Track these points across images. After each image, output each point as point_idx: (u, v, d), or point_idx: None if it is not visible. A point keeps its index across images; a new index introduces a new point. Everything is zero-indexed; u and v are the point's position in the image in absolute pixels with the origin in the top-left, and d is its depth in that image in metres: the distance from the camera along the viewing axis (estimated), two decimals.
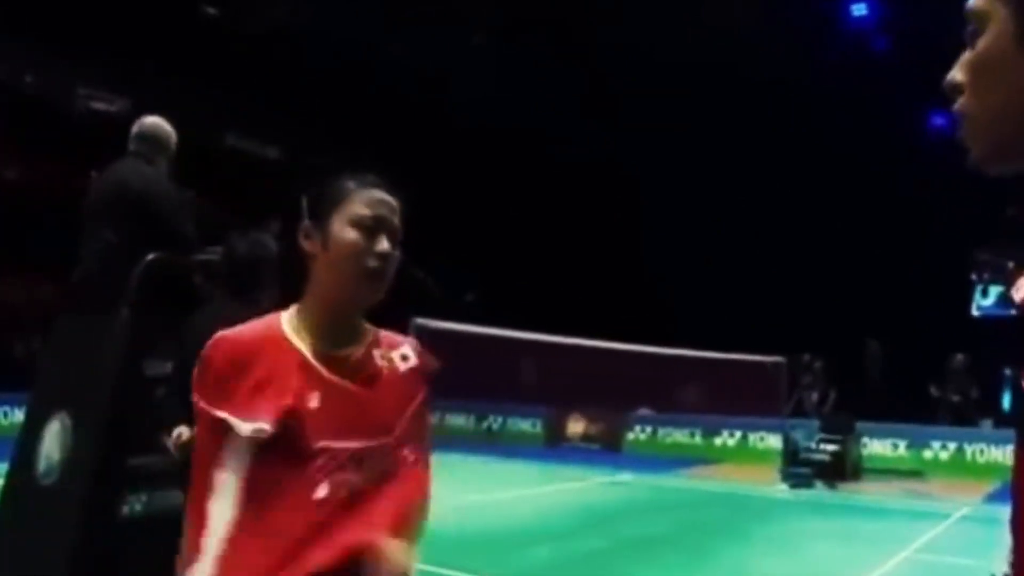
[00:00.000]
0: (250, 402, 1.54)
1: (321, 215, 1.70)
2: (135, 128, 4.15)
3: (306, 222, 1.72)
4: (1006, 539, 0.86)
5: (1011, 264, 16.90)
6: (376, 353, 1.73)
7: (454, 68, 17.67)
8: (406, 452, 1.69)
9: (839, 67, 15.42)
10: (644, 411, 16.62)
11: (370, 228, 1.68)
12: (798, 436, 12.65)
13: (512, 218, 19.46)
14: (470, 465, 13.15)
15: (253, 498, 1.53)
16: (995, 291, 17.16)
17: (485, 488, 10.75)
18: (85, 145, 11.53)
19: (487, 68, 17.62)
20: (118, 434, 3.66)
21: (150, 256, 3.78)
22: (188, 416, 3.12)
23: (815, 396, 14.63)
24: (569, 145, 19.01)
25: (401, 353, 1.78)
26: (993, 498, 10.68)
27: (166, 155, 4.14)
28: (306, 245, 1.70)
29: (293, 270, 1.71)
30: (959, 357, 14.11)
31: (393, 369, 1.74)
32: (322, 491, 1.55)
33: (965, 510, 10.02)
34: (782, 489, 11.72)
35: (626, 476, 12.72)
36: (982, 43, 0.90)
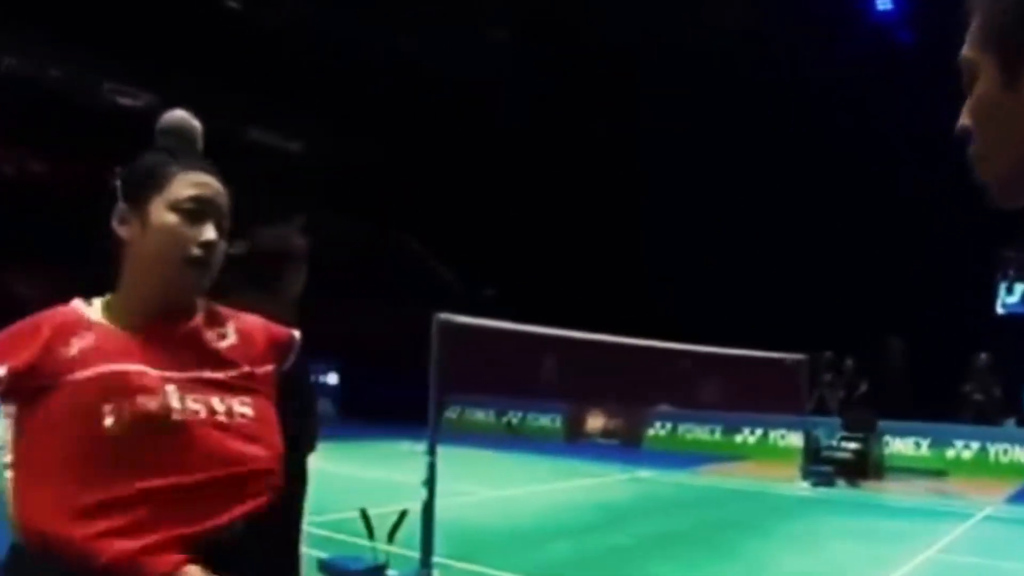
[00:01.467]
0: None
1: (138, 197, 1.55)
2: (160, 122, 4.18)
3: (121, 204, 1.57)
4: None
5: None
6: (206, 329, 1.57)
7: (474, 65, 17.68)
8: (219, 407, 1.47)
9: (863, 60, 15.30)
10: (664, 407, 16.59)
11: (194, 213, 1.53)
12: (820, 434, 12.60)
13: (532, 213, 19.44)
14: (490, 460, 13.19)
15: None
16: (1021, 288, 16.99)
17: (504, 483, 10.77)
18: (110, 140, 11.63)
19: (506, 65, 17.61)
20: None
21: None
22: None
23: (842, 392, 14.55)
24: (590, 141, 18.98)
25: (219, 332, 1.60)
26: (1016, 498, 10.59)
27: (193, 148, 4.17)
28: (121, 231, 1.56)
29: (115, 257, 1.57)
30: (982, 356, 13.99)
31: (207, 345, 1.55)
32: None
33: (988, 510, 9.93)
34: (803, 487, 11.67)
35: (646, 472, 12.71)
36: (977, 89, 0.95)
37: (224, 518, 1.44)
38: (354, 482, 6.61)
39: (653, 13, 15.72)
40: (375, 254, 17.52)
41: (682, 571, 6.74)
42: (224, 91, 14.93)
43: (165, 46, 14.97)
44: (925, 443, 13.82)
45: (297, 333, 1.74)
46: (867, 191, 15.92)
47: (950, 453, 13.63)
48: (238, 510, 1.46)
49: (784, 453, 14.03)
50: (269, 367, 1.62)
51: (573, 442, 16.35)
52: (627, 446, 15.80)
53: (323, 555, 5.41)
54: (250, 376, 1.56)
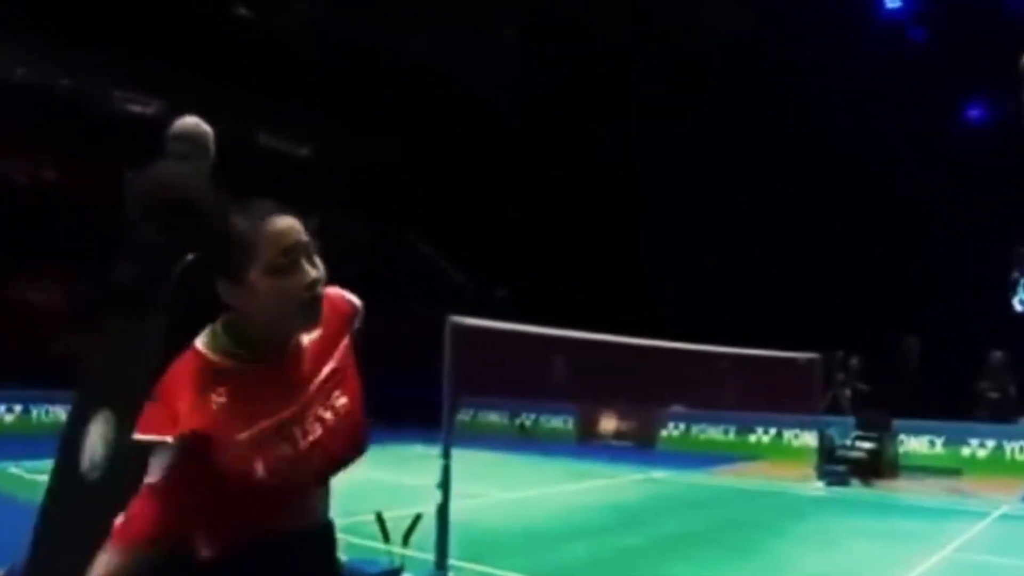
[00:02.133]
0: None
1: (236, 273, 1.65)
2: (172, 128, 4.19)
3: (223, 283, 1.68)
4: None
5: None
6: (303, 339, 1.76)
7: (484, 66, 17.69)
8: (327, 415, 1.71)
9: (874, 58, 15.25)
10: (677, 408, 16.55)
11: (291, 266, 1.64)
12: (834, 433, 12.55)
13: (543, 214, 19.44)
14: (503, 462, 13.19)
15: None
16: None
17: (518, 485, 10.76)
18: (121, 147, 11.68)
19: (516, 66, 17.62)
20: None
21: (189, 256, 3.82)
22: None
23: (848, 392, 14.50)
24: (600, 142, 18.96)
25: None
26: None
27: (205, 154, 4.18)
28: (234, 302, 1.68)
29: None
30: (998, 354, 13.92)
31: (303, 341, 1.74)
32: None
33: (1004, 508, 9.88)
34: (818, 487, 11.63)
35: (659, 473, 12.68)
36: None
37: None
38: (368, 485, 6.61)
39: (658, 14, 15.71)
40: (386, 256, 17.55)
41: (697, 571, 6.72)
42: (233, 97, 14.98)
43: (174, 53, 15.03)
44: (940, 442, 13.74)
45: (357, 300, 1.91)
46: (880, 190, 15.86)
47: (965, 451, 13.55)
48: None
49: (798, 453, 13.98)
50: (345, 340, 1.81)
51: (586, 444, 16.34)
52: (640, 447, 15.78)
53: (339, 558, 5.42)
54: (339, 358, 1.77)
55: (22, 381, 13.29)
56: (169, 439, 1.62)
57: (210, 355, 1.69)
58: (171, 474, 1.64)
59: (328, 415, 1.70)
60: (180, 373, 1.69)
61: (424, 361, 6.58)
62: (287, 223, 1.67)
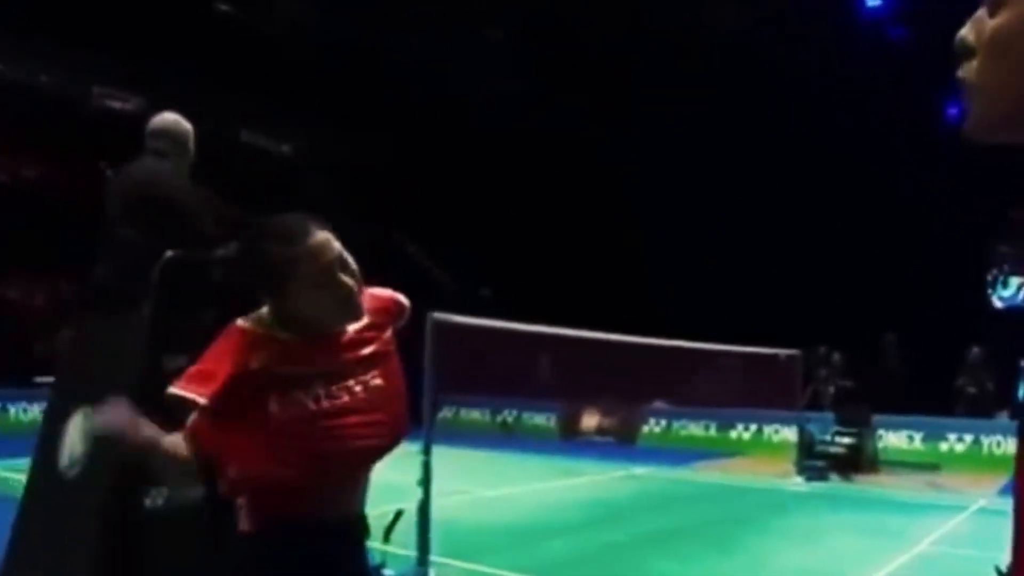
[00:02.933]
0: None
1: (280, 290, 1.81)
2: (151, 125, 4.17)
3: (268, 300, 1.85)
4: None
5: None
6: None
7: (468, 65, 17.67)
8: (357, 388, 1.83)
9: (854, 56, 15.33)
10: (659, 404, 16.61)
11: (331, 278, 1.79)
12: (814, 429, 12.64)
13: (527, 213, 19.45)
14: (485, 459, 13.19)
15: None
16: (1014, 283, 17.06)
17: (500, 482, 10.77)
18: (101, 144, 11.59)
19: (501, 65, 17.61)
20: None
21: (169, 254, 3.81)
22: None
23: (831, 389, 14.60)
24: (584, 140, 18.99)
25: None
26: (1009, 490, 10.59)
27: (185, 152, 4.16)
28: (278, 311, 1.85)
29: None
30: (976, 350, 14.06)
31: (346, 332, 1.89)
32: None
33: (981, 502, 9.98)
34: (797, 482, 11.70)
35: (641, 469, 12.72)
36: (1008, 13, 0.86)
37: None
38: None
39: (648, 13, 15.72)
40: (369, 254, 17.47)
41: (678, 567, 6.76)
42: (215, 94, 14.87)
43: (155, 49, 14.92)
44: (919, 437, 13.87)
45: (403, 298, 2.08)
46: (861, 187, 15.96)
47: (943, 446, 13.68)
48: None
49: (779, 448, 14.07)
50: (388, 333, 1.97)
51: (568, 440, 16.36)
52: (622, 444, 15.83)
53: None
54: (380, 350, 1.91)
55: (4, 380, 13.18)
56: (201, 400, 1.76)
57: (256, 328, 1.82)
58: (199, 424, 1.81)
59: (358, 388, 1.80)
60: (224, 344, 1.83)
61: (408, 358, 6.59)
62: (323, 238, 1.80)
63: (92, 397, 3.91)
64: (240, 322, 1.85)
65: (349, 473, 1.86)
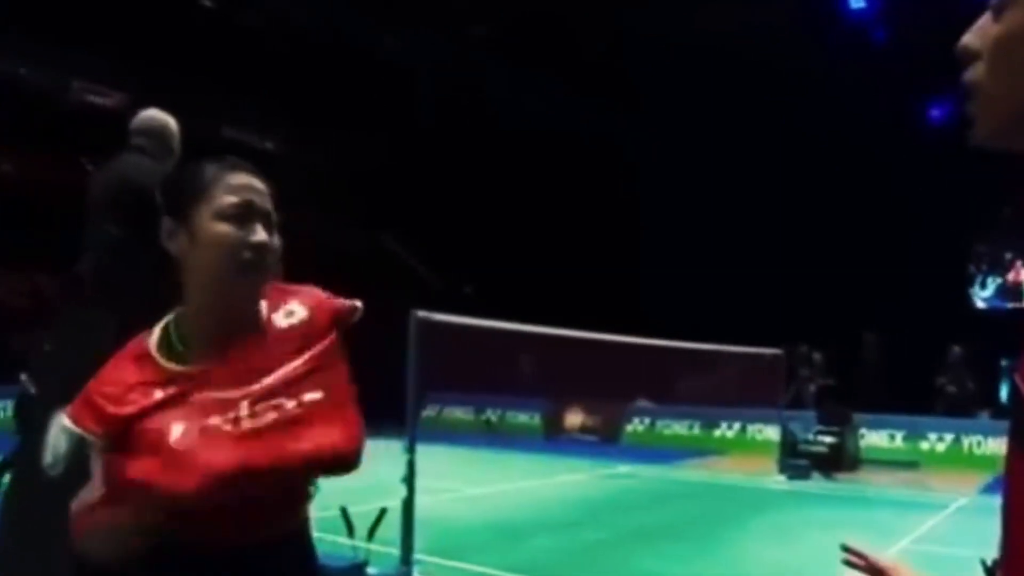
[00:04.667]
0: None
1: (182, 211, 1.56)
2: (135, 122, 4.14)
3: (166, 220, 1.59)
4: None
5: (1009, 255, 16.95)
6: (271, 318, 1.63)
7: (452, 60, 17.64)
8: (289, 404, 1.54)
9: (837, 58, 15.41)
10: (643, 403, 16.65)
11: (240, 217, 1.54)
12: (796, 428, 12.70)
13: (511, 211, 19.44)
14: (469, 458, 13.18)
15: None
16: (994, 283, 17.20)
17: (484, 481, 10.77)
18: (81, 139, 11.50)
19: (484, 60, 17.59)
20: None
21: (153, 250, 3.78)
22: None
23: (813, 388, 14.68)
24: (565, 137, 19.00)
25: (287, 310, 1.65)
26: (990, 489, 10.72)
27: (168, 148, 4.13)
28: (171, 246, 1.59)
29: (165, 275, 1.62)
30: (956, 349, 14.16)
31: (276, 329, 1.62)
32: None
33: (962, 501, 10.06)
34: (780, 480, 11.76)
35: (625, 468, 12.75)
36: (1012, 17, 0.87)
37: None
38: (333, 480, 6.58)
39: (632, 14, 15.73)
40: (352, 252, 17.45)
41: (662, 565, 6.78)
42: (197, 89, 14.78)
43: (136, 44, 14.81)
44: (900, 435, 13.96)
45: (358, 303, 1.75)
46: (842, 187, 16.05)
47: (924, 445, 13.77)
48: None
49: (761, 447, 14.13)
50: (327, 341, 1.63)
51: (552, 439, 16.38)
52: (606, 442, 15.85)
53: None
54: (318, 355, 1.60)
55: None
56: (93, 436, 1.61)
57: (156, 355, 1.60)
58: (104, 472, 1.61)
59: (290, 404, 1.52)
60: (122, 367, 1.63)
61: (391, 357, 6.57)
62: (253, 182, 1.59)
63: (74, 395, 3.89)
64: (144, 342, 1.65)
65: (272, 491, 1.58)
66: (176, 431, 1.49)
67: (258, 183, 1.60)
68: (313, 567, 1.75)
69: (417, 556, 5.61)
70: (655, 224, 18.80)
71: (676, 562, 6.89)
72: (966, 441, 13.40)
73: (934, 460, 13.39)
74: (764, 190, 16.93)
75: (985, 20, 0.90)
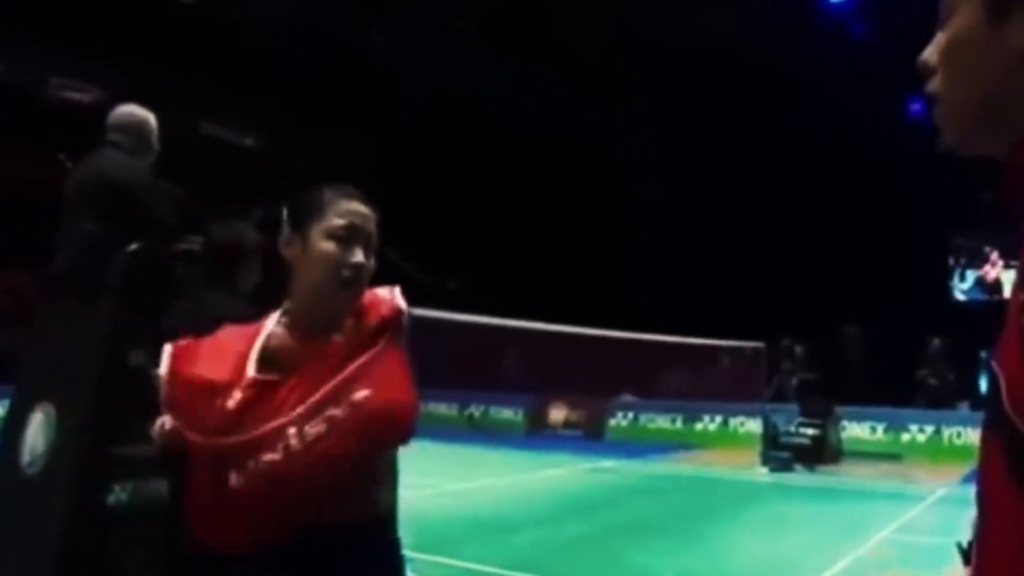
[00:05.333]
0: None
1: (300, 226, 1.80)
2: (111, 117, 4.10)
3: (286, 231, 1.83)
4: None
5: (987, 248, 17.09)
6: (356, 332, 1.83)
7: (437, 57, 17.60)
8: (337, 411, 1.71)
9: (817, 52, 15.46)
10: (626, 397, 16.69)
11: (345, 239, 1.78)
12: (778, 420, 12.77)
13: (495, 206, 19.43)
14: (452, 453, 13.17)
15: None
16: (973, 275, 17.34)
17: (467, 476, 10.77)
18: (59, 135, 11.39)
19: (471, 56, 17.55)
20: (102, 424, 3.65)
21: (131, 246, 3.76)
22: None
23: (795, 381, 14.75)
24: (550, 133, 19.00)
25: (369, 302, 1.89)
26: (970, 479, 10.78)
27: (145, 144, 4.10)
28: (287, 253, 1.82)
29: (274, 263, 1.81)
30: (936, 342, 14.27)
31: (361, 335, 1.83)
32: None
33: (942, 491, 10.14)
34: (762, 473, 11.82)
35: (608, 462, 12.78)
36: (952, 25, 0.92)
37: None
38: None
39: (629, 11, 15.71)
40: None
41: (647, 558, 6.80)
42: (176, 86, 14.68)
43: (115, 40, 14.69)
44: (881, 427, 14.06)
45: (404, 306, 1.99)
46: (822, 180, 16.12)
47: (905, 437, 13.88)
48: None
49: (744, 440, 14.19)
50: (384, 341, 1.86)
51: (536, 434, 16.39)
52: (589, 437, 15.88)
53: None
54: (367, 362, 1.80)
55: None
56: (163, 372, 1.76)
57: (250, 359, 1.78)
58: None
59: (339, 412, 1.71)
60: (236, 341, 1.82)
61: None
62: (360, 209, 1.83)
63: (53, 393, 3.86)
64: (251, 336, 1.82)
65: (325, 480, 1.72)
66: (232, 474, 1.67)
67: (366, 209, 1.85)
68: (394, 559, 1.95)
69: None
70: (636, 220, 18.84)
71: (661, 555, 6.91)
72: (946, 432, 13.51)
73: (915, 451, 13.49)
74: (744, 184, 16.99)
75: (939, 35, 0.94)
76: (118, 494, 3.65)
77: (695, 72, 16.32)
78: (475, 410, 17.80)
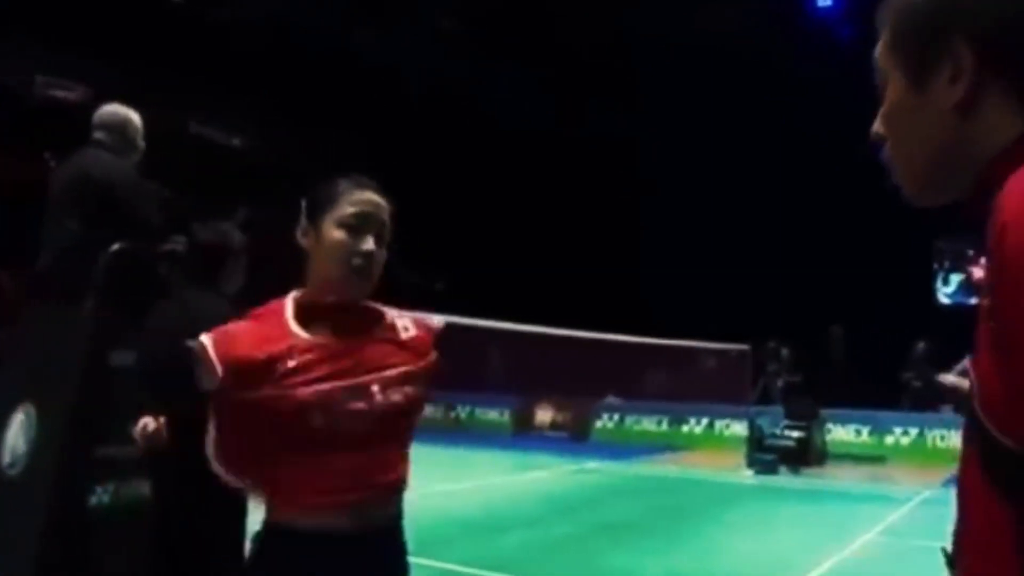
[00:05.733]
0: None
1: (315, 215, 1.88)
2: (96, 116, 4.08)
3: (303, 222, 1.91)
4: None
5: (971, 252, 17.17)
6: (377, 325, 1.95)
7: (422, 55, 17.58)
8: (405, 391, 1.89)
9: (804, 56, 15.53)
10: (611, 399, 16.70)
11: (356, 228, 1.84)
12: (763, 423, 12.80)
13: (482, 207, 19.43)
14: (438, 455, 13.14)
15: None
16: (956, 279, 17.41)
17: (453, 477, 10.75)
18: (44, 134, 11.32)
19: (453, 56, 17.54)
20: (84, 425, 3.63)
21: (115, 246, 3.73)
22: (153, 406, 3.10)
23: (780, 383, 14.80)
24: (537, 136, 19.01)
25: (403, 325, 2.00)
26: (953, 482, 10.85)
27: (130, 143, 4.07)
28: (303, 242, 1.89)
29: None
30: (921, 344, 14.33)
31: (397, 337, 1.95)
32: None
33: (926, 493, 10.19)
34: (747, 475, 11.85)
35: (594, 464, 12.79)
36: (888, 97, 1.02)
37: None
38: None
39: (627, 11, 15.74)
40: None
41: (632, 560, 6.80)
42: (164, 85, 14.62)
43: (101, 38, 14.61)
44: (865, 430, 14.12)
45: (440, 324, 2.16)
46: (808, 184, 16.17)
47: (889, 439, 13.94)
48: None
49: (729, 442, 14.22)
50: (427, 360, 2.00)
51: (522, 435, 16.38)
52: (575, 438, 15.88)
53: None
54: (425, 366, 1.98)
55: None
56: (208, 346, 1.77)
57: (291, 324, 1.84)
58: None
59: (402, 394, 1.87)
60: (257, 329, 1.85)
61: None
62: (373, 198, 1.89)
63: (34, 394, 3.83)
64: (277, 312, 1.89)
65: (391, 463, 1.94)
66: (318, 400, 1.75)
67: (379, 199, 1.91)
68: (405, 563, 2.13)
69: None
70: (624, 221, 18.86)
71: (646, 556, 6.92)
72: (930, 435, 13.58)
73: (899, 454, 13.56)
74: (731, 187, 17.04)
75: (882, 105, 1.04)
76: (100, 495, 3.63)
77: (685, 77, 16.36)
78: (461, 411, 17.77)
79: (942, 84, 0.94)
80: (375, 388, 1.82)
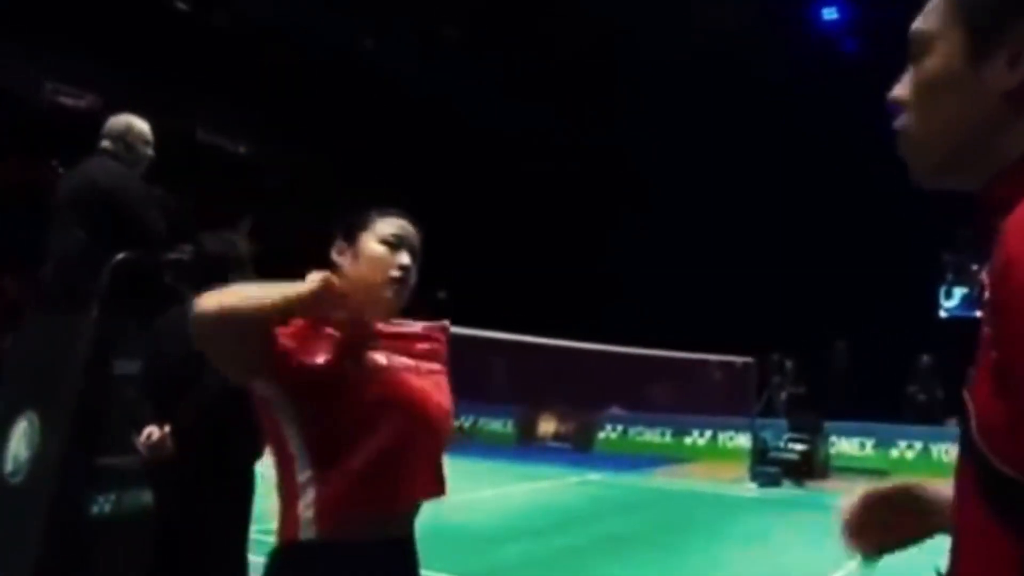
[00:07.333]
0: None
1: (353, 234, 2.02)
2: (106, 126, 4.09)
3: (338, 242, 2.05)
4: None
5: (975, 266, 17.14)
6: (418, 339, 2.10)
7: (426, 63, 17.63)
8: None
9: (809, 69, 15.55)
10: (615, 410, 16.68)
11: (395, 245, 2.00)
12: (767, 435, 12.77)
13: (485, 217, 19.45)
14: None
15: None
16: (959, 292, 17.39)
17: (456, 487, 10.59)
18: (52, 141, 11.36)
19: (459, 64, 17.59)
20: (86, 433, 3.62)
21: (120, 255, 3.74)
22: (158, 415, 3.11)
23: (784, 395, 14.76)
24: (538, 145, 19.04)
25: (431, 334, 2.16)
26: None
27: (138, 153, 4.08)
28: (338, 260, 2.03)
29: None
30: (925, 358, 14.30)
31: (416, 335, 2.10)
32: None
33: None
34: (751, 488, 11.81)
35: (597, 475, 12.76)
36: (930, 62, 0.93)
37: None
38: None
39: (625, 11, 15.76)
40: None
41: (634, 572, 6.78)
42: (171, 92, 14.67)
43: (109, 46, 14.67)
44: (870, 443, 14.07)
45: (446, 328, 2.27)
46: (812, 197, 16.18)
47: (894, 453, 13.89)
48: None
49: (733, 455, 14.19)
50: (443, 356, 2.19)
51: (525, 446, 16.36)
52: (578, 449, 15.85)
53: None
54: (439, 369, 2.13)
55: None
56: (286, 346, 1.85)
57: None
58: None
59: (414, 367, 2.01)
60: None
61: None
62: (406, 224, 2.07)
63: (37, 402, 3.83)
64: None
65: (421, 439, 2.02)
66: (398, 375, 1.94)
67: (411, 227, 2.08)
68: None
69: None
70: (629, 232, 18.85)
71: (648, 569, 6.90)
72: (935, 449, 13.52)
73: (903, 468, 13.49)
74: (735, 199, 17.04)
75: (910, 72, 0.96)
76: (102, 504, 3.63)
77: (688, 87, 16.38)
78: (464, 421, 17.74)
79: (999, 65, 0.87)
80: (437, 399, 2.01)
